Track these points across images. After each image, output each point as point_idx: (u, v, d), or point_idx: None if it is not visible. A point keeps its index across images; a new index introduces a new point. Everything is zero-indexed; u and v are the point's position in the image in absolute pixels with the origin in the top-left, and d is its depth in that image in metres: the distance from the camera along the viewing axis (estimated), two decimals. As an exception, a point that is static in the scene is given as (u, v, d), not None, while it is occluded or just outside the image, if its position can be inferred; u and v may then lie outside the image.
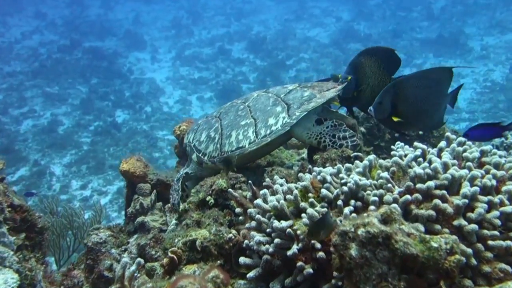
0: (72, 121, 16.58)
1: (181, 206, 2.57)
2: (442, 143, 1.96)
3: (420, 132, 4.15)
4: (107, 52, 22.71)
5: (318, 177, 1.97)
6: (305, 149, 3.84)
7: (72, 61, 21.87)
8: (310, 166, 2.39)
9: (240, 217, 2.27)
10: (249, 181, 2.24)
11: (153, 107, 17.42)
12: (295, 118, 2.73)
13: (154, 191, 3.30)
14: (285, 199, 2.00)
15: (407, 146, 2.09)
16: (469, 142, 2.01)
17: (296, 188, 2.01)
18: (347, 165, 2.00)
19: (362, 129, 4.14)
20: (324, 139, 2.74)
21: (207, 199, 2.46)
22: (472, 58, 20.07)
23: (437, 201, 1.68)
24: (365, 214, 1.78)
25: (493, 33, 22.39)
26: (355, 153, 2.44)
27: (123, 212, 12.06)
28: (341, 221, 1.79)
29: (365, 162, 1.94)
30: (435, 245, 1.35)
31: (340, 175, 1.93)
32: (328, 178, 1.93)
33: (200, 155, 2.96)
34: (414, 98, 2.73)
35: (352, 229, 1.45)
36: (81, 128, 16.03)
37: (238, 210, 2.29)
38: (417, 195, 1.73)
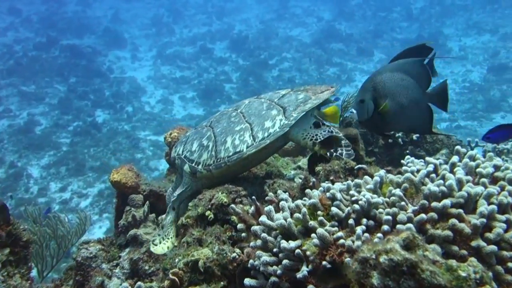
0: (50, 121, 16.17)
1: (179, 221, 2.47)
2: (455, 158, 1.91)
3: (414, 138, 4.13)
4: (86, 50, 22.22)
5: (327, 194, 1.89)
6: (300, 157, 3.78)
7: (49, 59, 21.34)
8: (313, 179, 2.31)
9: (243, 234, 2.18)
10: (253, 197, 2.16)
11: (134, 106, 17.13)
12: (293, 119, 2.67)
13: (147, 202, 3.17)
14: (291, 216, 1.92)
15: (417, 160, 2.03)
16: (480, 156, 1.96)
17: (304, 205, 1.93)
18: (357, 181, 1.92)
19: (356, 134, 4.09)
20: (320, 142, 2.66)
21: (207, 213, 2.36)
22: (451, 58, 20.37)
23: (454, 220, 1.62)
24: (378, 235, 1.72)
25: (470, 34, 22.84)
26: (359, 165, 2.38)
27: (104, 215, 11.81)
28: (353, 241, 1.73)
29: (376, 178, 1.87)
30: (463, 274, 1.29)
31: (351, 192, 1.86)
32: (338, 195, 1.86)
33: (193, 164, 2.82)
34: (393, 91, 2.56)
35: (373, 256, 1.38)
36: (60, 129, 15.63)
37: (240, 226, 2.20)
38: (433, 214, 1.67)
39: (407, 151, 4.11)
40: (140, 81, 19.62)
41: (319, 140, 2.62)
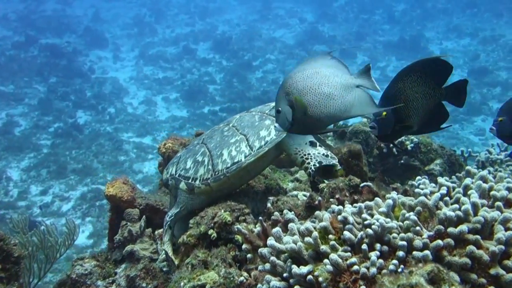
0: (29, 122, 15.78)
1: (179, 239, 2.41)
2: (468, 180, 1.89)
3: (409, 147, 4.14)
4: (66, 50, 21.79)
5: (339, 217, 1.85)
6: (297, 168, 3.74)
7: (28, 58, 20.83)
8: (319, 198, 2.27)
9: (248, 255, 2.13)
10: (260, 217, 2.11)
11: (116, 108, 16.84)
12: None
13: (144, 217, 3.08)
14: (301, 239, 1.88)
15: (427, 181, 2.01)
16: (491, 177, 1.95)
17: (315, 228, 1.89)
18: (368, 203, 1.89)
19: (350, 144, 4.08)
20: (309, 161, 2.64)
21: (209, 232, 2.30)
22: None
23: (472, 247, 1.60)
24: (393, 261, 1.69)
25: (451, 38, 23.20)
26: (364, 183, 2.35)
27: (87, 219, 11.60)
28: (367, 268, 1.69)
29: (389, 201, 1.84)
30: (492, 310, 1.26)
31: (363, 216, 1.83)
32: (350, 219, 1.82)
33: (189, 181, 2.76)
34: (309, 87, 2.10)
35: (398, 290, 1.34)
36: (40, 130, 15.27)
37: (245, 246, 2.15)
38: (449, 240, 1.65)
39: (402, 161, 4.12)
40: (122, 82, 19.31)
41: (310, 164, 2.59)
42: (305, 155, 2.65)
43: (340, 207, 1.92)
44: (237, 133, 2.77)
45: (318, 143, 2.72)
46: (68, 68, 19.98)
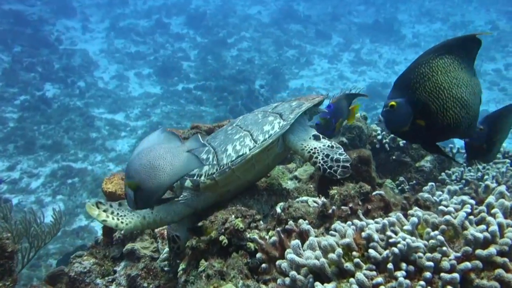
0: (-7, 94, 15.13)
1: (188, 243, 2.36)
2: (491, 198, 1.91)
3: (401, 144, 4.18)
4: (31, 18, 20.79)
5: (363, 234, 1.84)
6: (293, 164, 3.72)
7: (-12, 25, 19.82)
8: (334, 207, 2.26)
9: (263, 265, 2.10)
10: (278, 229, 2.08)
11: (86, 82, 16.31)
12: (291, 119, 2.70)
13: (144, 215, 3.01)
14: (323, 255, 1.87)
15: (447, 196, 2.02)
16: (509, 194, 1.98)
17: (337, 244, 1.87)
18: (390, 219, 1.89)
19: (344, 139, 4.08)
20: (316, 155, 2.64)
21: (221, 238, 2.26)
22: (405, 45, 20.92)
23: (500, 271, 1.62)
24: (420, 283, 1.70)
25: (423, 21, 23.52)
26: (376, 192, 2.35)
27: (58, 197, 11.20)
28: None
29: (414, 219, 1.84)
30: None
31: (387, 234, 1.82)
32: (375, 236, 1.82)
33: (195, 177, 2.74)
34: (142, 170, 2.30)
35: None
36: (5, 102, 14.64)
37: (260, 256, 2.12)
38: (477, 262, 1.67)
39: (394, 157, 4.16)
40: (92, 54, 18.67)
41: (318, 158, 2.60)
42: (311, 149, 2.66)
43: (363, 222, 1.91)
44: (241, 130, 2.79)
45: (321, 136, 2.74)
46: (33, 37, 19.11)
